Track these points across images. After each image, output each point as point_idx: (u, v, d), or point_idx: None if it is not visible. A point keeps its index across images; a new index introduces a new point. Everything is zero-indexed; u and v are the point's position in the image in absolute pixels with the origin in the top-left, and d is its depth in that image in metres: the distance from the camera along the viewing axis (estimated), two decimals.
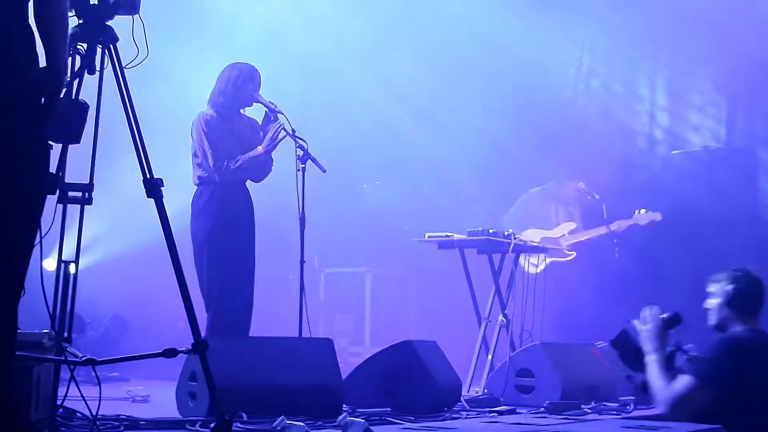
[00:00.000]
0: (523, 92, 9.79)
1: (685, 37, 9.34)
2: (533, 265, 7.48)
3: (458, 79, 10.01)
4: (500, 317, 7.20)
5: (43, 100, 2.96)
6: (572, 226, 8.33)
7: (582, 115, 9.69)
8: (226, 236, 5.84)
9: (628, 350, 4.79)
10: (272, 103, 5.91)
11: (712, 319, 4.67)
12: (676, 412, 4.35)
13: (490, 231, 7.18)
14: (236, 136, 5.95)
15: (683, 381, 4.36)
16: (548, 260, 7.54)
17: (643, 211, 8.36)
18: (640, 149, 9.71)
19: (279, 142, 5.90)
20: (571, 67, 9.71)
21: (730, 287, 4.57)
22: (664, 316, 4.70)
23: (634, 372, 4.77)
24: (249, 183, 6.07)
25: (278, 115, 5.90)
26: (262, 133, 5.99)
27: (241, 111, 6.05)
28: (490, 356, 7.05)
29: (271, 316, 7.99)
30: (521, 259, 7.41)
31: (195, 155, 5.92)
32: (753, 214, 8.76)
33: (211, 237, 5.82)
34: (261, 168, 5.98)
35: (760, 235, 8.72)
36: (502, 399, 6.11)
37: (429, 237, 7.38)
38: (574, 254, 7.83)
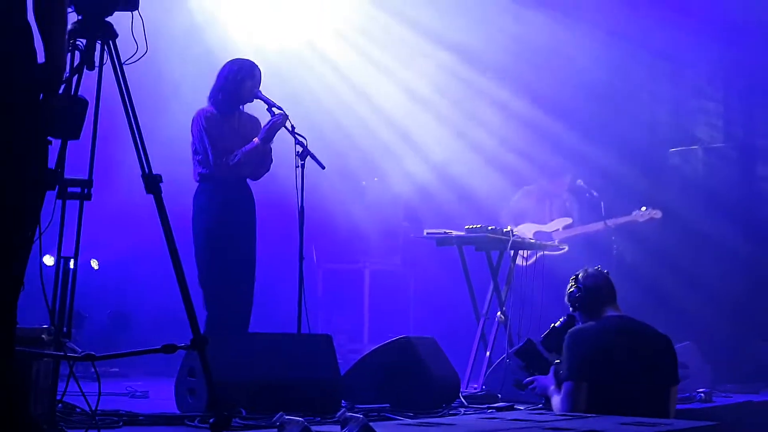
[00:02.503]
0: (524, 88, 9.79)
1: (686, 33, 9.35)
2: (523, 257, 7.50)
3: (461, 75, 10.01)
4: (499, 314, 7.22)
5: (41, 95, 2.96)
6: (567, 221, 8.37)
7: (581, 112, 9.68)
8: (227, 233, 5.84)
9: (533, 359, 4.98)
10: (271, 99, 5.91)
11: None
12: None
13: (489, 228, 7.21)
14: (236, 133, 5.95)
15: (563, 389, 4.61)
16: (539, 253, 7.58)
17: (643, 209, 8.40)
18: (640, 146, 9.71)
19: (275, 132, 5.90)
20: (570, 63, 9.70)
21: (572, 291, 4.83)
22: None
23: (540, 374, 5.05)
24: (249, 180, 6.07)
25: (276, 110, 5.90)
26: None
27: (241, 107, 6.05)
28: (488, 352, 7.06)
29: (270, 312, 8.01)
30: (521, 254, 7.42)
31: (195, 152, 5.92)
32: (751, 210, 8.77)
33: (212, 233, 5.82)
34: (259, 162, 5.97)
35: (758, 232, 8.74)
36: (500, 395, 6.12)
37: (428, 233, 7.39)
38: (565, 248, 7.85)
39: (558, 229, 8.24)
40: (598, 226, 8.47)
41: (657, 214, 8.42)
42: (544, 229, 8.21)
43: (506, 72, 9.80)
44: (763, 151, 9.13)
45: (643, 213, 8.41)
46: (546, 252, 7.58)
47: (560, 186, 8.74)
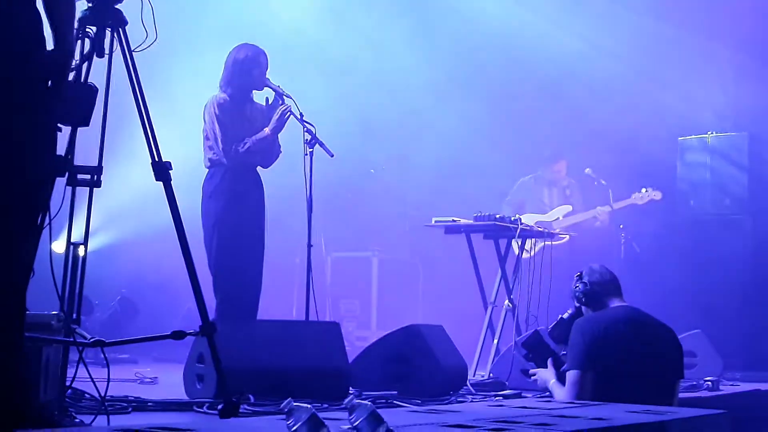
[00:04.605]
0: (532, 76, 9.77)
1: (694, 21, 9.32)
2: (525, 250, 7.51)
3: (465, 65, 10.00)
4: (506, 302, 7.22)
5: (50, 83, 2.97)
6: (568, 208, 8.36)
7: (590, 101, 9.66)
8: (236, 219, 5.86)
9: (539, 351, 5.01)
10: (280, 87, 5.92)
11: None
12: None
13: (497, 216, 7.21)
14: (248, 121, 5.96)
15: (568, 378, 4.63)
16: (541, 244, 7.58)
17: (644, 190, 8.42)
18: (648, 134, 9.68)
19: (285, 122, 5.91)
20: (578, 51, 9.68)
21: (578, 286, 4.90)
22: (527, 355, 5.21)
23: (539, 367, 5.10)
24: (258, 168, 6.08)
25: (285, 98, 5.91)
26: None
27: (253, 95, 6.05)
28: (495, 340, 7.07)
29: (279, 300, 8.03)
30: (513, 244, 7.41)
31: (206, 138, 5.94)
32: (761, 197, 8.73)
33: (221, 219, 5.84)
34: (269, 151, 5.99)
35: (767, 222, 8.71)
36: (507, 383, 6.13)
37: (436, 222, 7.39)
38: (567, 237, 7.84)
39: (558, 218, 8.23)
40: (596, 212, 8.48)
41: (657, 195, 8.44)
42: (544, 218, 8.20)
43: (512, 59, 9.78)
44: None
45: (643, 195, 8.44)
46: (549, 242, 7.56)
47: (559, 174, 8.72)
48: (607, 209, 8.56)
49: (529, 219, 8.04)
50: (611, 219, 8.63)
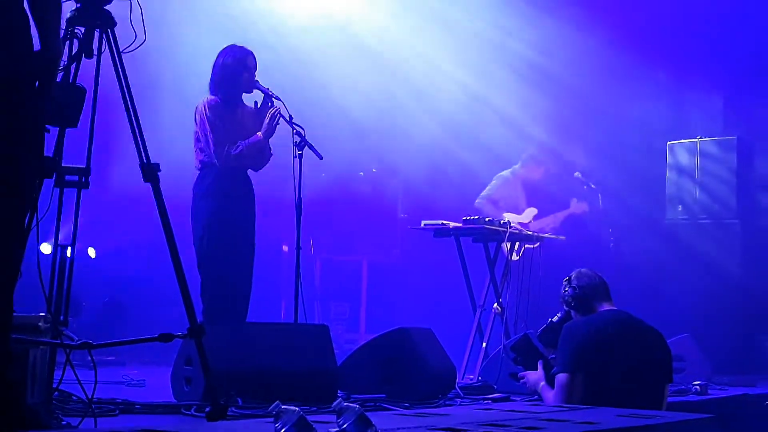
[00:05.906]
0: (527, 80, 9.79)
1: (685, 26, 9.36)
2: (513, 251, 7.52)
3: (460, 63, 10.01)
4: (495, 305, 7.22)
5: (38, 83, 2.96)
6: (534, 211, 8.37)
7: (580, 105, 9.68)
8: (226, 221, 5.84)
9: (528, 355, 5.03)
10: (269, 90, 5.91)
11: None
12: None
13: (486, 219, 7.22)
14: (239, 124, 5.94)
15: (557, 381, 4.66)
16: (525, 246, 7.61)
17: (574, 200, 8.53)
18: (637, 138, 9.71)
19: (276, 126, 5.91)
20: (570, 55, 9.70)
21: (567, 290, 4.91)
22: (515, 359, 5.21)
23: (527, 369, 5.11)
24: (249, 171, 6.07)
25: (275, 101, 5.90)
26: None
27: (242, 98, 6.04)
28: (484, 344, 7.07)
29: (268, 303, 8.01)
30: (504, 246, 7.42)
31: (197, 140, 5.92)
32: (749, 201, 8.77)
33: (211, 221, 5.82)
34: (260, 155, 5.98)
35: (755, 222, 8.75)
36: (496, 386, 6.13)
37: (425, 225, 7.39)
38: (539, 242, 7.87)
39: (531, 221, 8.26)
40: (553, 217, 8.53)
41: (584, 206, 8.55)
42: (522, 219, 8.21)
43: (506, 61, 9.80)
44: (762, 143, 9.13)
45: (576, 205, 8.55)
46: (528, 245, 7.58)
47: (535, 174, 8.71)
48: (583, 206, 8.62)
49: (511, 219, 8.07)
50: (563, 224, 8.65)
